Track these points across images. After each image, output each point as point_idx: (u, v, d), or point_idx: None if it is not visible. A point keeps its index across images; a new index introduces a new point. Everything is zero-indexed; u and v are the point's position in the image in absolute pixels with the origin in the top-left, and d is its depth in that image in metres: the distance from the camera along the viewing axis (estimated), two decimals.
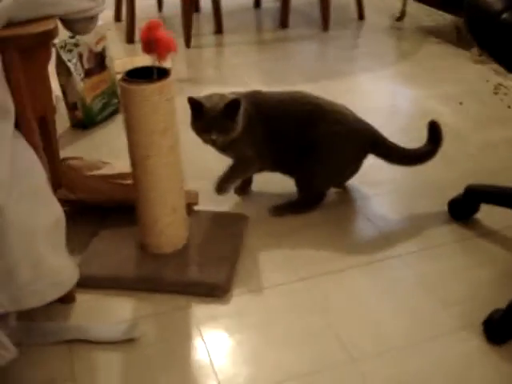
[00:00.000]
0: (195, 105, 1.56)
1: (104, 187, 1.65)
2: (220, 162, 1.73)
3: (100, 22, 2.26)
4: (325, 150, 1.68)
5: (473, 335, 1.35)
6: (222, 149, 1.66)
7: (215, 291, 1.46)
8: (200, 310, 1.44)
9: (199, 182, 1.86)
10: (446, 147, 2.08)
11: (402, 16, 3.31)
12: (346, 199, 1.85)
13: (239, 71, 2.77)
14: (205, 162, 1.90)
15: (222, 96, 1.60)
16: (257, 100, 1.69)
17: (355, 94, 2.55)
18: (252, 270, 1.56)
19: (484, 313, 1.35)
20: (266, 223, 1.73)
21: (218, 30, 3.25)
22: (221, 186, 1.69)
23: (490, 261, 1.58)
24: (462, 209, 1.70)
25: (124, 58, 2.62)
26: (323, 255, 1.61)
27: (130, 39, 3.14)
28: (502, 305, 1.33)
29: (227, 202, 1.80)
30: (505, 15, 1.18)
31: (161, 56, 1.37)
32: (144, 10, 3.53)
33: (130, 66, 2.57)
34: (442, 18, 3.31)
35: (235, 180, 1.74)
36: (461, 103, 2.41)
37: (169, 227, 1.53)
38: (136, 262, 1.55)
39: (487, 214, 1.70)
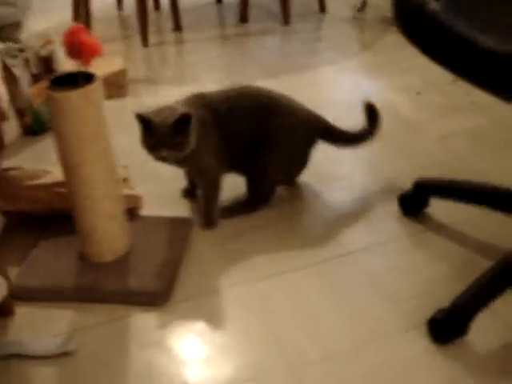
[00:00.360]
0: (144, 121, 1.49)
1: (43, 196, 1.60)
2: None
3: (44, 26, 2.23)
4: (278, 143, 1.65)
5: (420, 335, 1.32)
6: (177, 164, 1.60)
7: (155, 300, 1.43)
8: (140, 319, 1.40)
9: (146, 185, 1.82)
10: (403, 140, 2.06)
11: (363, 7, 3.27)
12: (297, 196, 1.81)
13: (196, 69, 2.72)
14: (151, 165, 1.85)
15: (171, 109, 1.52)
16: (207, 102, 1.64)
17: (316, 88, 2.51)
18: (195, 276, 1.52)
19: (433, 311, 1.32)
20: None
21: (177, 27, 3.20)
22: (209, 221, 1.68)
23: (440, 256, 1.55)
24: (412, 203, 1.67)
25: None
26: (270, 257, 1.57)
27: None
28: None
29: (174, 206, 1.76)
30: (433, 5, 1.14)
31: (85, 61, 1.32)
32: (103, 9, 3.49)
33: (82, 69, 2.55)
34: None
35: (217, 203, 1.69)
36: (418, 93, 2.38)
37: (108, 235, 1.48)
38: (76, 272, 1.50)
39: (438, 207, 1.67)
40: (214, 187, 1.68)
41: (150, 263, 1.50)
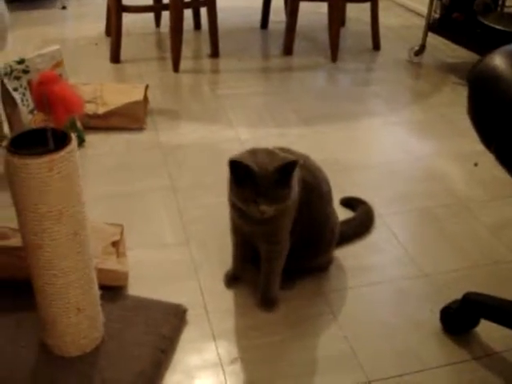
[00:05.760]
0: (239, 168, 1.20)
1: (4, 261, 1.33)
2: (176, 223, 1.39)
3: (55, 47, 1.96)
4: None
5: None
6: (264, 222, 1.27)
7: None
8: None
9: (143, 249, 1.54)
10: (451, 223, 1.73)
11: (421, 49, 2.94)
12: (318, 291, 1.50)
13: (226, 105, 2.43)
14: (155, 223, 1.57)
15: (269, 154, 1.25)
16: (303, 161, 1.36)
17: (355, 145, 2.17)
18: None
19: None
20: (218, 318, 1.39)
21: (214, 52, 2.91)
22: (269, 299, 1.41)
23: None
24: (458, 320, 1.34)
25: (93, 84, 2.29)
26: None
27: (114, 58, 2.82)
28: None
29: (173, 281, 1.47)
30: None
31: (57, 118, 1.03)
32: (140, 25, 3.25)
33: (99, 94, 2.28)
34: (466, 55, 2.93)
35: (279, 277, 1.42)
36: (476, 164, 2.04)
37: (72, 328, 1.20)
38: (33, 365, 1.22)
39: (490, 328, 1.34)
40: (282, 258, 1.39)
41: (122, 367, 1.21)
